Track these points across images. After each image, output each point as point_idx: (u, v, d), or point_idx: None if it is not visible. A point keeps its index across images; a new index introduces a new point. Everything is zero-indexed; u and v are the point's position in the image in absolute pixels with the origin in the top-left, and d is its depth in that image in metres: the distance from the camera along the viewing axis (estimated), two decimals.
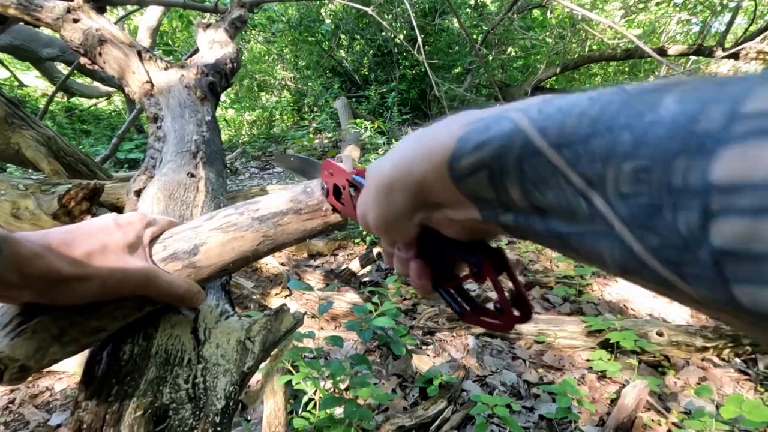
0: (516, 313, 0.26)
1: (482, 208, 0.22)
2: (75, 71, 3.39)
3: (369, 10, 2.07)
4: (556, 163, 0.17)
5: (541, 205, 0.19)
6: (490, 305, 0.28)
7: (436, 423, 1.25)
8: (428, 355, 1.60)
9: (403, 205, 0.25)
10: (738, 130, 0.12)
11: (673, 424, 1.30)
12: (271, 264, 2.11)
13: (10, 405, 1.37)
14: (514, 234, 0.22)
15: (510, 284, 0.27)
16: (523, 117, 0.19)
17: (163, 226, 0.48)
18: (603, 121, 0.16)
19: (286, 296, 1.92)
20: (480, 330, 1.73)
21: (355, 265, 2.16)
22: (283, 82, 7.15)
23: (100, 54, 0.98)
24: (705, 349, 1.54)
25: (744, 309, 0.12)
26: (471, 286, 1.75)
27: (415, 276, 0.30)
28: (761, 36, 4.07)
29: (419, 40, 2.01)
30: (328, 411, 1.04)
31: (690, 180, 0.13)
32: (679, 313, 1.89)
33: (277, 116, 6.92)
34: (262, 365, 0.82)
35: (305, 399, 1.15)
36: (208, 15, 1.89)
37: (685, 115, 0.13)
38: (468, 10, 6.20)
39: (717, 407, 1.27)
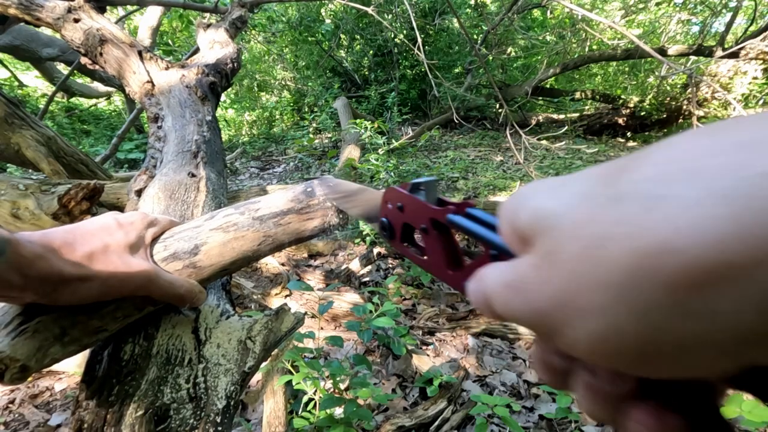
0: None
1: None
2: (75, 71, 3.39)
3: (369, 10, 2.07)
4: None
5: None
6: None
7: (436, 423, 1.25)
8: (428, 355, 1.60)
9: (736, 321, 0.11)
10: None
11: None
12: (271, 264, 2.11)
13: (10, 405, 1.37)
14: None
15: None
16: None
17: (164, 225, 0.48)
18: None
19: (286, 296, 1.92)
20: (480, 330, 1.73)
21: (355, 265, 2.17)
22: (283, 82, 7.15)
23: (100, 54, 0.98)
24: None
25: None
26: None
27: None
28: (761, 36, 4.07)
29: (419, 40, 2.02)
30: (328, 411, 1.04)
31: None
32: None
33: (277, 116, 6.92)
34: (263, 365, 0.82)
35: (305, 399, 1.15)
36: (208, 15, 1.89)
37: None
38: (468, 10, 6.21)
39: None
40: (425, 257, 0.27)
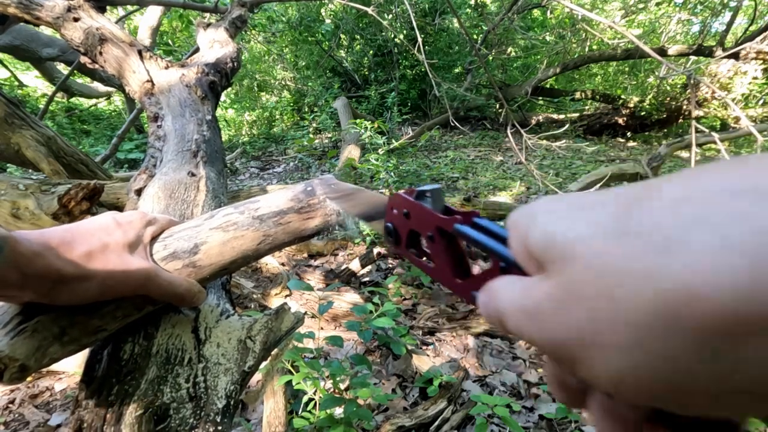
0: None
1: None
2: (75, 71, 3.39)
3: (369, 10, 2.07)
4: None
5: None
6: None
7: (436, 423, 1.25)
8: (428, 355, 1.60)
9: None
10: None
11: None
12: (271, 264, 2.11)
13: (10, 405, 1.37)
14: None
15: None
16: None
17: (163, 225, 0.48)
18: None
19: (286, 296, 1.92)
20: (480, 330, 1.73)
21: (355, 265, 2.16)
22: (283, 82, 7.16)
23: (100, 53, 0.98)
24: None
25: None
26: None
27: None
28: (761, 36, 4.07)
29: (419, 40, 2.01)
30: (328, 411, 1.04)
31: None
32: None
33: (277, 116, 6.92)
34: (263, 365, 0.82)
35: (305, 399, 1.15)
36: (208, 15, 1.89)
37: None
38: (468, 10, 6.21)
39: None
40: (432, 264, 0.27)
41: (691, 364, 0.12)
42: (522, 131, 2.16)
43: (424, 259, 0.29)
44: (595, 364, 0.14)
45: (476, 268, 0.25)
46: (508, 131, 2.17)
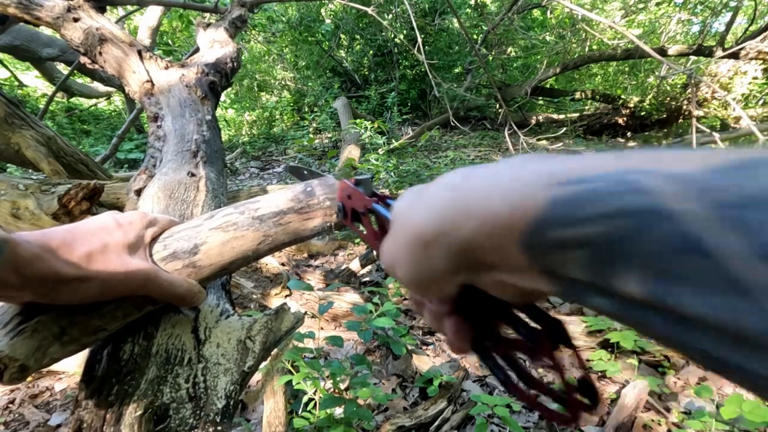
0: (582, 400, 0.22)
1: (559, 284, 0.18)
2: (75, 71, 3.39)
3: (369, 10, 2.07)
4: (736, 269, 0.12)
5: (677, 307, 0.14)
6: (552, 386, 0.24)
7: (436, 423, 1.25)
8: (428, 355, 1.60)
9: (442, 264, 0.21)
10: None
11: (674, 424, 1.30)
12: (271, 264, 2.11)
13: (10, 405, 1.37)
14: (601, 314, 0.18)
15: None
16: (667, 192, 0.14)
17: (163, 225, 0.48)
18: None
19: (286, 296, 1.92)
20: None
21: (355, 265, 2.16)
22: (283, 82, 7.16)
23: (100, 53, 0.98)
24: None
25: None
26: None
27: (452, 335, 0.26)
28: (761, 36, 4.07)
29: (419, 40, 2.01)
30: (328, 411, 1.04)
31: None
32: None
33: (277, 116, 6.92)
34: (263, 365, 0.82)
35: (305, 399, 1.15)
36: (208, 15, 1.89)
37: None
38: (468, 10, 6.21)
39: (717, 407, 1.27)
40: (364, 232, 0.37)
41: (419, 262, 0.23)
42: (519, 132, 2.16)
43: (361, 228, 0.39)
44: (399, 274, 0.25)
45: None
46: (506, 132, 2.17)
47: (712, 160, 0.14)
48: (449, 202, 0.21)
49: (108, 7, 1.25)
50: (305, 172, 0.58)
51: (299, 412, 1.11)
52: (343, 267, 2.19)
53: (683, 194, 0.14)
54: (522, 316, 0.25)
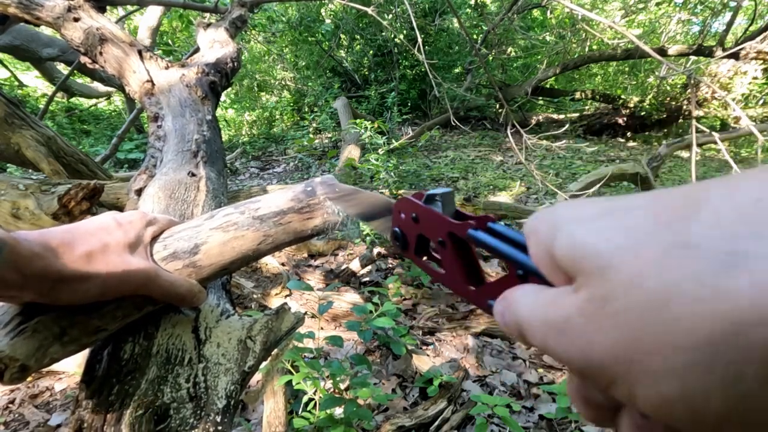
0: None
1: None
2: (75, 71, 3.39)
3: (369, 10, 2.07)
4: None
5: None
6: None
7: (436, 423, 1.25)
8: (428, 355, 1.60)
9: None
10: None
11: None
12: (271, 264, 2.11)
13: (10, 405, 1.37)
14: None
15: None
16: None
17: (163, 225, 0.48)
18: None
19: (286, 296, 1.92)
20: (480, 330, 1.73)
21: (355, 265, 2.16)
22: (283, 82, 7.15)
23: (100, 53, 0.98)
24: None
25: None
26: None
27: None
28: (761, 36, 4.07)
29: (419, 40, 2.01)
30: (328, 411, 1.04)
31: None
32: None
33: (277, 116, 6.92)
34: (263, 365, 0.82)
35: (305, 399, 1.15)
36: (208, 15, 1.89)
37: None
38: (468, 10, 6.21)
39: None
40: (443, 271, 0.26)
41: (758, 390, 0.11)
42: (522, 131, 2.16)
43: (433, 264, 0.28)
44: (638, 387, 0.13)
45: (490, 276, 0.24)
46: (508, 131, 2.17)
47: None
48: None
49: (108, 7, 1.25)
50: (339, 192, 0.47)
51: (299, 412, 1.11)
52: (343, 267, 2.19)
53: None
54: None
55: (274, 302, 1.88)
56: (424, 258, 0.29)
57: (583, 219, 0.15)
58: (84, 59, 1.04)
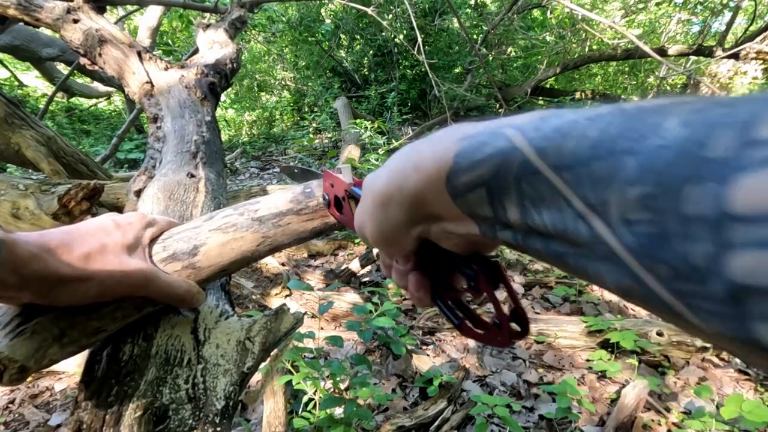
0: (515, 327, 0.26)
1: (481, 224, 0.22)
2: (75, 71, 3.39)
3: (369, 10, 2.07)
4: (557, 184, 0.17)
5: (540, 226, 0.18)
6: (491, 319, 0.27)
7: (436, 423, 1.25)
8: (428, 355, 1.60)
9: (399, 218, 0.25)
10: (753, 156, 0.11)
11: (673, 424, 1.30)
12: (271, 264, 2.11)
13: (10, 405, 1.37)
14: (513, 249, 0.22)
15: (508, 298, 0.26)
16: (519, 135, 0.19)
17: (162, 226, 0.48)
18: (604, 145, 0.15)
19: (286, 296, 1.92)
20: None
21: (355, 265, 2.16)
22: (283, 82, 7.15)
23: (100, 54, 0.98)
24: (705, 349, 1.54)
25: (764, 347, 0.11)
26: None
27: (413, 288, 0.30)
28: (761, 36, 4.07)
29: (419, 40, 2.01)
30: (328, 411, 1.04)
31: (702, 209, 0.12)
32: None
33: (277, 116, 6.92)
34: (262, 365, 0.82)
35: (305, 399, 1.15)
36: (208, 15, 1.89)
37: (693, 139, 0.13)
38: (468, 10, 6.20)
39: (717, 407, 1.27)
40: (344, 216, 0.41)
41: (381, 220, 0.26)
42: None
43: (341, 214, 0.41)
44: (367, 235, 0.29)
45: None
46: None
47: (546, 114, 0.19)
48: (400, 163, 0.24)
49: (108, 8, 1.25)
50: (296, 171, 0.59)
51: (299, 412, 1.11)
52: (343, 267, 2.19)
53: (532, 138, 0.18)
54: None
55: (274, 302, 1.88)
56: (338, 212, 0.43)
57: (378, 171, 0.28)
58: (83, 61, 1.04)
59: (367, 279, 2.20)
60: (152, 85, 0.92)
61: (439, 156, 0.22)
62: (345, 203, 0.39)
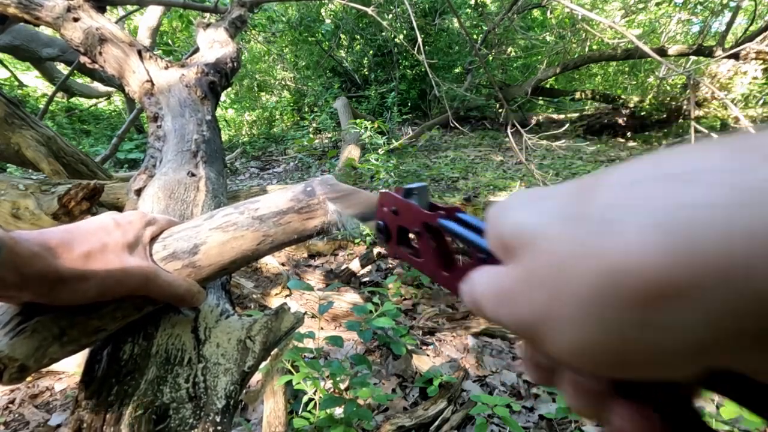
0: None
1: None
2: (75, 71, 3.39)
3: (369, 10, 2.07)
4: None
5: None
6: None
7: (436, 423, 1.25)
8: (428, 355, 1.60)
9: (689, 334, 0.12)
10: None
11: None
12: (271, 264, 2.11)
13: (10, 405, 1.37)
14: None
15: None
16: None
17: (162, 225, 0.48)
18: None
19: (286, 296, 1.91)
20: (480, 330, 1.73)
21: (355, 265, 2.16)
22: (283, 82, 7.15)
23: (100, 53, 0.98)
24: None
25: None
26: None
27: (629, 427, 0.16)
28: (761, 36, 4.07)
29: (419, 40, 2.01)
30: (328, 411, 1.04)
31: None
32: None
33: (277, 116, 6.92)
34: (263, 365, 0.82)
35: (305, 399, 1.15)
36: (208, 15, 1.89)
37: None
38: (468, 10, 6.21)
39: (717, 407, 1.27)
40: (420, 259, 0.29)
41: (630, 333, 0.13)
42: (522, 131, 2.16)
43: (413, 253, 0.30)
44: (555, 339, 0.15)
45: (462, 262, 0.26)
46: (508, 131, 2.17)
47: None
48: (729, 214, 0.11)
49: (108, 7, 1.24)
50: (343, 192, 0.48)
51: (299, 412, 1.11)
52: (343, 267, 2.19)
53: None
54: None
55: (274, 302, 1.88)
56: (404, 248, 0.32)
57: (522, 203, 0.17)
58: (84, 59, 1.04)
59: (367, 279, 2.20)
60: (152, 84, 0.92)
61: None
62: (422, 241, 0.28)
